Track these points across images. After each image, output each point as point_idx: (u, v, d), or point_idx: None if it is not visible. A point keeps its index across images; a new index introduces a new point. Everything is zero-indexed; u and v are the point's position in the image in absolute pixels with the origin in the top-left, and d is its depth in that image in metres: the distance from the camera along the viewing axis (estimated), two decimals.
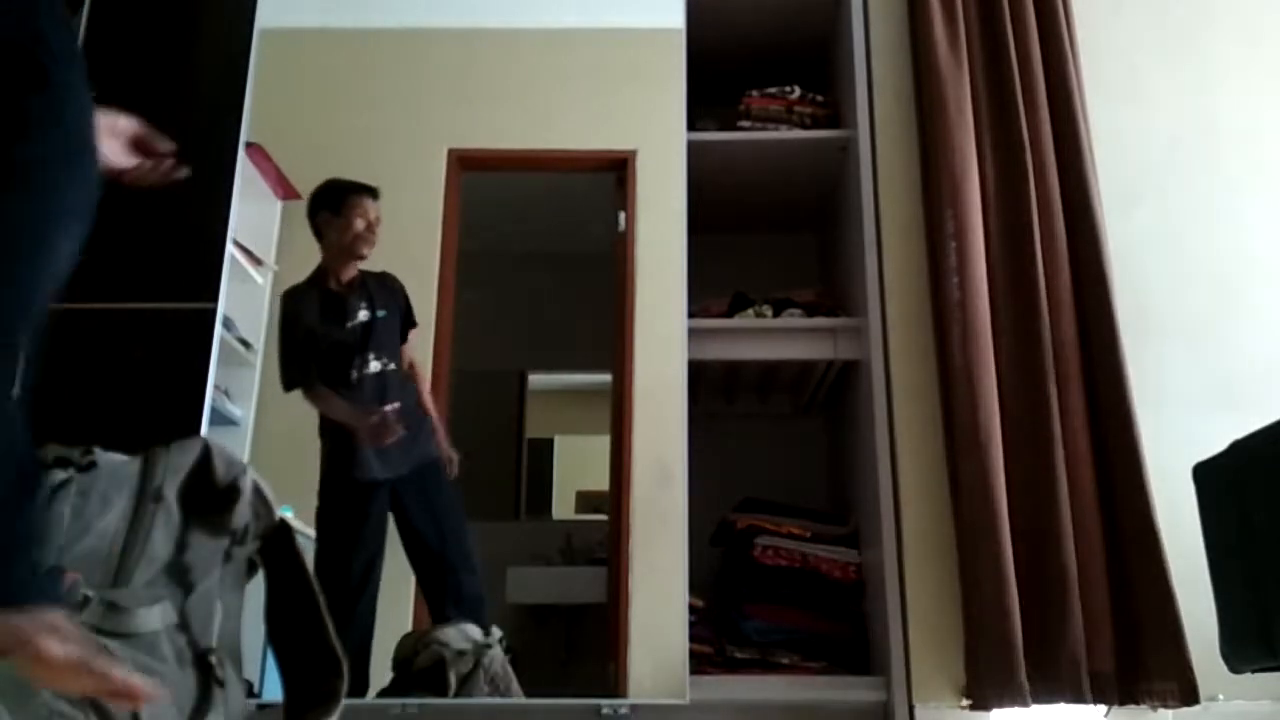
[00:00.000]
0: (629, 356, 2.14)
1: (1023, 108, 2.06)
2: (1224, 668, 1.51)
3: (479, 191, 2.37)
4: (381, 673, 1.93)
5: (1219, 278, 2.12)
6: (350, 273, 2.19)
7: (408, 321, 2.20)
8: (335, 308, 2.17)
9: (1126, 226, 2.08)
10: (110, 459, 1.16)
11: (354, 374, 2.13)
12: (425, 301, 2.22)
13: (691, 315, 2.11)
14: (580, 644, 2.30)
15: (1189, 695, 1.72)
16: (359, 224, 2.19)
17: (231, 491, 1.16)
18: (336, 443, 2.13)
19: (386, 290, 2.20)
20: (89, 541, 1.06)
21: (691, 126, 2.21)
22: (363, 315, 2.16)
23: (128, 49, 2.18)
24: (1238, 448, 1.47)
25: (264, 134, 2.20)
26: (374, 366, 2.14)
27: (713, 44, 2.33)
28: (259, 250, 2.22)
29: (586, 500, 2.51)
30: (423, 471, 2.13)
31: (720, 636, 2.03)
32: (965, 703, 1.79)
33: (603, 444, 2.20)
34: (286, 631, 1.22)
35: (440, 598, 2.08)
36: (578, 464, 2.58)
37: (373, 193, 2.21)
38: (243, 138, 2.13)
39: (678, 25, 2.27)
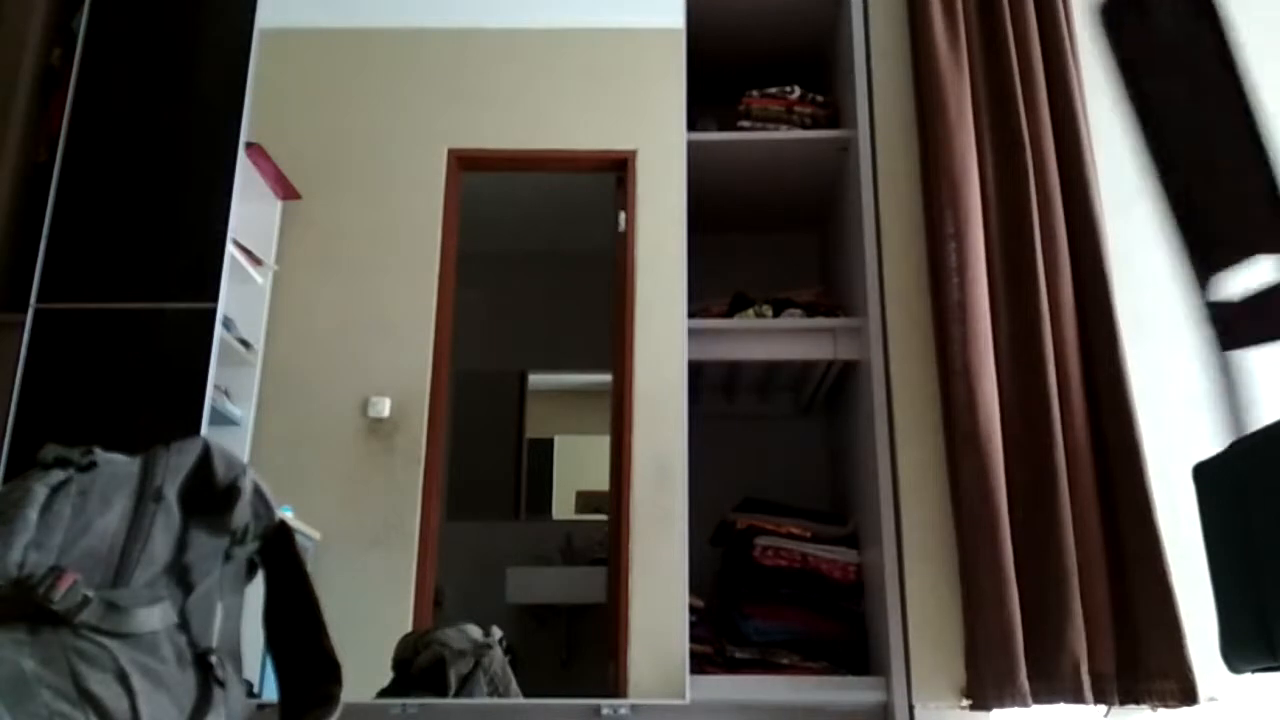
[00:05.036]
0: (629, 356, 2.14)
1: (1023, 108, 2.06)
2: (1224, 668, 1.51)
3: (479, 191, 2.37)
4: (381, 672, 1.93)
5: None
6: None
7: None
8: None
9: (1127, 225, 2.08)
10: (110, 459, 1.16)
11: None
12: (425, 301, 2.22)
13: (691, 315, 2.11)
14: (580, 644, 2.30)
15: (1189, 695, 1.72)
16: None
17: (231, 491, 1.15)
18: None
19: None
20: (89, 541, 1.06)
21: (691, 126, 2.21)
22: None
23: (128, 49, 2.17)
24: (1238, 448, 1.47)
25: (264, 134, 2.20)
26: None
27: (713, 44, 2.33)
28: (259, 250, 2.22)
29: (586, 500, 2.51)
30: None
31: (720, 637, 2.03)
32: (965, 703, 1.79)
33: (603, 444, 2.20)
34: (284, 634, 1.22)
35: None
36: (578, 464, 2.58)
37: None
38: (243, 138, 2.13)
39: (678, 25, 2.27)
